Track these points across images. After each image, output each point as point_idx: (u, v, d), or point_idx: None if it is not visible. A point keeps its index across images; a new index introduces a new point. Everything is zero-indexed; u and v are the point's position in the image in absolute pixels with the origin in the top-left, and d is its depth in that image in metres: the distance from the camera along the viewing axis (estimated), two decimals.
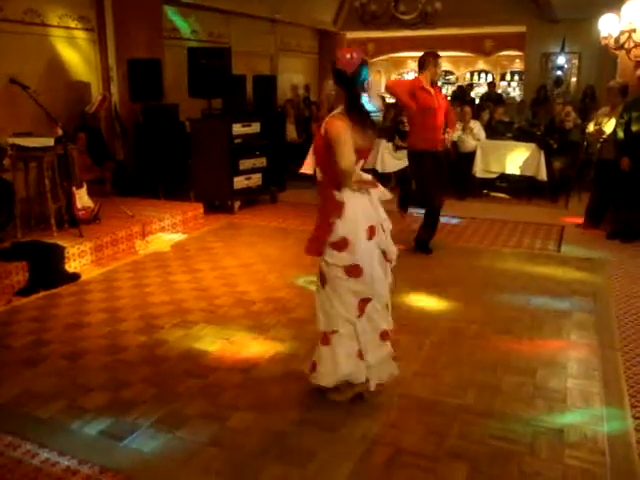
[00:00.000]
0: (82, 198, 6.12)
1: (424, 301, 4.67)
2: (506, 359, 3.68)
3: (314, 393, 3.20)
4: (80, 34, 8.04)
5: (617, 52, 6.61)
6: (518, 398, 3.22)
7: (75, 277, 5.22)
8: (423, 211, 6.07)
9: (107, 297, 4.79)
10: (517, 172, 8.51)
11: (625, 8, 6.32)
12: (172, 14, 9.76)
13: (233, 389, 3.32)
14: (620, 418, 3.04)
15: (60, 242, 5.42)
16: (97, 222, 6.19)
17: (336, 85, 2.93)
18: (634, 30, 6.24)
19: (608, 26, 6.50)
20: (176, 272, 5.41)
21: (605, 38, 6.58)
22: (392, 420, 3.02)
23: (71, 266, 5.37)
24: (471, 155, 8.60)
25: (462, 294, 4.76)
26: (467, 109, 8.90)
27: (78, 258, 5.49)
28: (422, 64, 5.67)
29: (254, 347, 3.84)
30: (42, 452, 2.77)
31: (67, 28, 7.83)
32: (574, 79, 13.10)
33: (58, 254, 5.24)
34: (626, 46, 6.36)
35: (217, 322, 4.26)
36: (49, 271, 5.08)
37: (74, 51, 7.98)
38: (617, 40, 6.45)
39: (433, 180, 5.79)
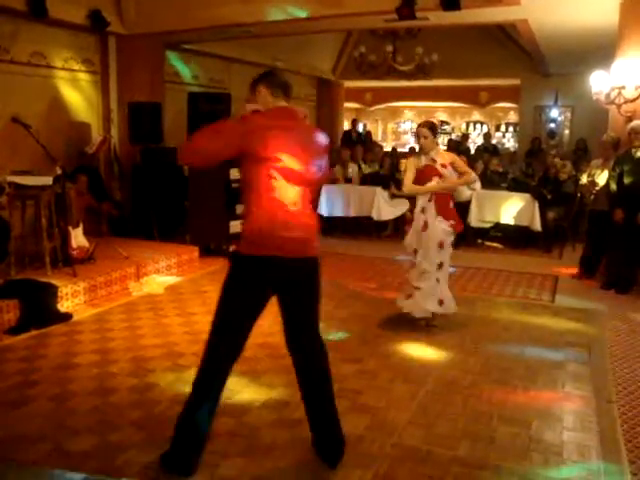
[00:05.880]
0: (77, 237, 6.12)
1: (417, 350, 4.62)
2: (501, 410, 3.63)
3: (306, 441, 3.14)
4: (83, 76, 8.20)
5: (608, 107, 6.76)
6: (513, 450, 3.16)
7: (67, 317, 5.17)
8: None
9: (98, 338, 4.74)
10: (511, 222, 8.58)
11: (614, 66, 6.49)
12: (174, 59, 9.98)
13: (224, 435, 3.25)
14: (618, 473, 2.98)
15: (54, 281, 5.39)
16: (92, 262, 6.18)
17: None
18: (624, 87, 6.40)
19: (599, 82, 6.66)
20: (169, 315, 5.37)
21: (596, 94, 6.73)
22: (385, 470, 2.95)
23: (64, 306, 5.33)
24: (466, 205, 8.67)
25: (456, 343, 4.73)
26: (462, 159, 9.00)
27: (71, 298, 5.45)
28: None
29: (246, 393, 3.79)
30: None
31: (71, 70, 8.00)
32: (567, 131, 13.37)
33: (51, 293, 5.21)
34: (616, 102, 6.52)
35: None
36: (41, 310, 5.03)
37: (76, 92, 8.12)
38: (608, 96, 6.60)
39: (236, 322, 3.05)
